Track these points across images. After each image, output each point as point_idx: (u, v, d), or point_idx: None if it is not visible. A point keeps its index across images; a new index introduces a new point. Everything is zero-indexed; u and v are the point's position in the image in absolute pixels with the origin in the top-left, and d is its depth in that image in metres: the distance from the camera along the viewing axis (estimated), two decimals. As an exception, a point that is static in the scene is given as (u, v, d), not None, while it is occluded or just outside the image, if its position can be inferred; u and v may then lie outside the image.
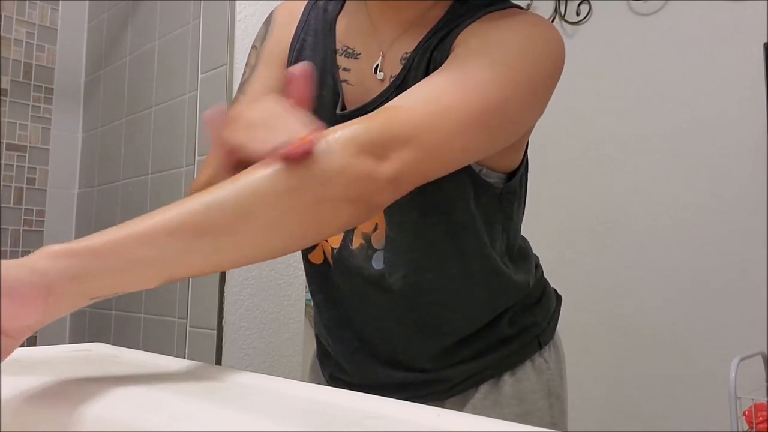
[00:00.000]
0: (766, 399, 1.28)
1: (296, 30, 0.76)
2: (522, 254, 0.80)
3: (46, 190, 1.94)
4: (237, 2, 1.39)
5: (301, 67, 0.56)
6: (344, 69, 0.72)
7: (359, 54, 0.72)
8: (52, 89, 1.97)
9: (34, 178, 1.92)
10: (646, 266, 1.70)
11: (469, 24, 0.66)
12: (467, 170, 0.68)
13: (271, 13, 0.81)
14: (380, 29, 0.72)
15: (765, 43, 1.53)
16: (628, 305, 1.72)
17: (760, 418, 1.26)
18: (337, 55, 0.73)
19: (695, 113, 1.65)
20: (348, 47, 0.73)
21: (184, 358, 1.10)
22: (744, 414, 1.28)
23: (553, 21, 1.89)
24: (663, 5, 1.73)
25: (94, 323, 1.81)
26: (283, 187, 0.49)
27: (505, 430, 0.38)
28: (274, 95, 0.57)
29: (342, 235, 0.74)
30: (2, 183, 1.84)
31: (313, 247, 0.79)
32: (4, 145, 1.85)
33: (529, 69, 0.63)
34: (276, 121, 0.52)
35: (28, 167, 1.90)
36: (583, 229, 1.83)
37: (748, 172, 1.55)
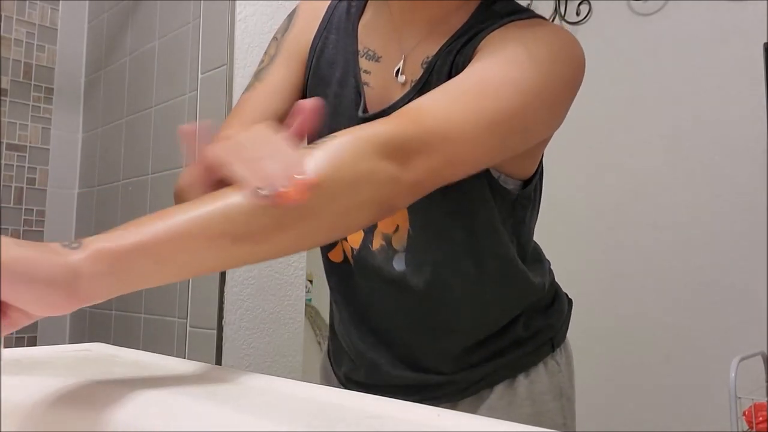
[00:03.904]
0: (766, 399, 1.28)
1: (319, 27, 0.77)
2: (535, 257, 0.81)
3: (46, 190, 1.94)
4: (237, 2, 1.39)
5: (313, 103, 0.56)
6: (365, 71, 0.73)
7: (380, 57, 0.72)
8: (52, 89, 1.96)
9: (34, 178, 1.91)
10: (646, 266, 1.70)
11: (493, 30, 0.66)
12: (486, 175, 0.69)
13: (296, 8, 0.81)
14: (402, 32, 0.72)
15: (765, 43, 1.53)
16: (627, 305, 1.72)
17: (760, 418, 1.26)
18: (359, 56, 0.73)
19: (695, 113, 1.65)
20: (369, 49, 0.73)
21: (184, 358, 1.10)
22: (744, 414, 1.28)
23: (553, 21, 1.89)
24: (663, 5, 1.73)
25: (94, 323, 1.81)
26: (320, 193, 0.48)
27: (505, 430, 0.38)
28: (270, 123, 0.57)
29: (362, 235, 0.75)
30: (2, 183, 1.84)
31: (333, 245, 0.79)
32: (4, 145, 1.85)
33: (550, 78, 0.63)
34: (266, 148, 0.51)
35: (28, 167, 1.90)
36: (581, 229, 1.83)
37: (748, 172, 1.55)
